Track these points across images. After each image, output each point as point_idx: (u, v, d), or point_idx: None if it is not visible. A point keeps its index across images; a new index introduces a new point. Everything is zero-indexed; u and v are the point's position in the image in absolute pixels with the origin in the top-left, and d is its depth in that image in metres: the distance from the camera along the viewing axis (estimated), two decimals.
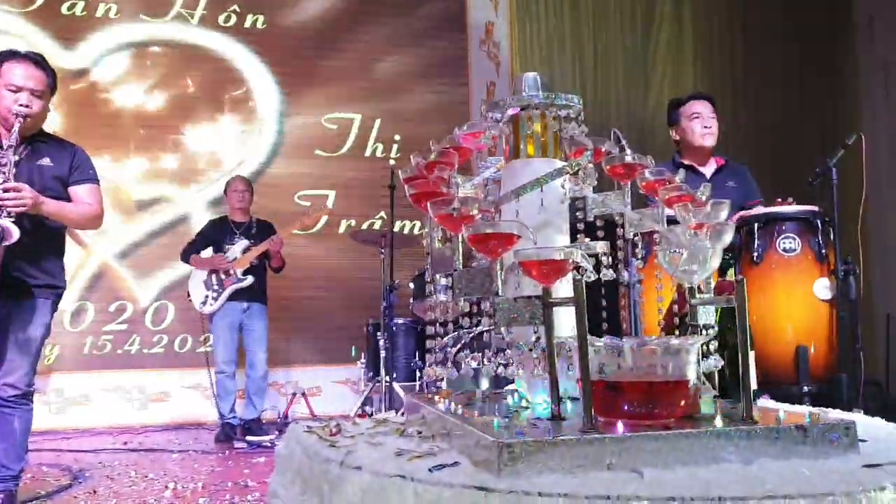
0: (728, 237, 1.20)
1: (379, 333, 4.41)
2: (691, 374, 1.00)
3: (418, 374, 4.53)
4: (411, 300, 4.56)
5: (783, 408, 1.08)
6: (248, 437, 4.25)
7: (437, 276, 1.28)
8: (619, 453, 0.91)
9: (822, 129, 6.17)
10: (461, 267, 1.19)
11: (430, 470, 0.92)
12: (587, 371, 0.95)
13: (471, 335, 4.69)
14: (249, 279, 4.45)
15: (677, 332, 1.43)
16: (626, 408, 0.99)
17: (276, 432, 4.42)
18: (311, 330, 5.46)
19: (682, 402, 1.00)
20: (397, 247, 4.45)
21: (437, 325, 1.32)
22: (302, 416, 5.05)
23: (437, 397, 1.41)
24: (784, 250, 2.71)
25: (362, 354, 4.86)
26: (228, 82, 5.59)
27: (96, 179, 2.79)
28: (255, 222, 4.65)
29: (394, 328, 4.52)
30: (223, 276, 4.41)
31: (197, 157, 5.52)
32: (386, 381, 4.28)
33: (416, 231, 5.67)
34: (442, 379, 1.43)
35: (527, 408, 1.24)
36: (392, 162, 5.63)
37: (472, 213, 1.18)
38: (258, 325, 4.50)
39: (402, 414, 1.55)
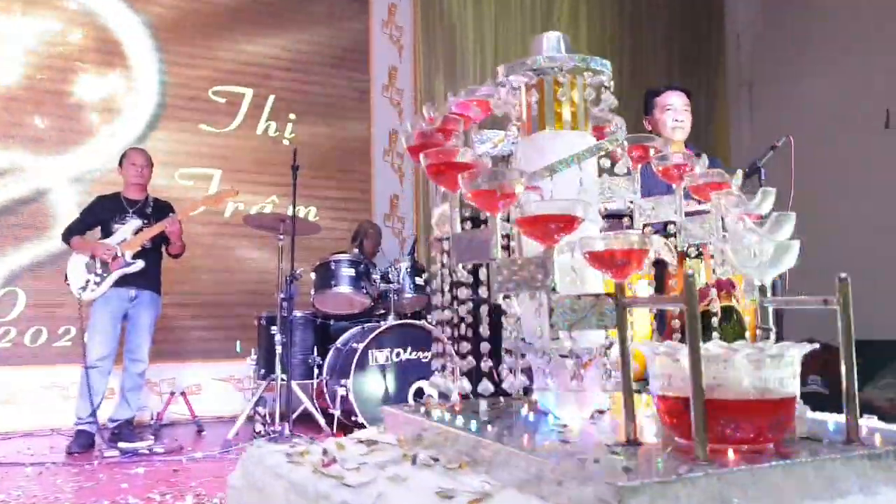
0: (789, 228, 1.07)
1: (274, 327, 4.03)
2: (797, 390, 0.85)
3: (316, 371, 4.21)
4: (312, 291, 4.21)
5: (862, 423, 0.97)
6: (121, 444, 3.71)
7: (462, 266, 1.04)
8: (744, 489, 0.74)
9: (697, 139, 6.50)
10: (499, 255, 0.96)
11: None
12: (700, 388, 0.77)
13: (378, 330, 4.34)
14: (139, 264, 3.92)
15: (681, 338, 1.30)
16: (727, 431, 0.82)
17: (152, 437, 3.92)
18: (189, 322, 4.95)
19: (790, 423, 0.84)
20: (299, 233, 4.08)
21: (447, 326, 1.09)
22: (180, 416, 4.56)
23: (432, 410, 1.18)
24: None
25: (252, 350, 4.44)
26: (99, 39, 4.90)
27: None
28: (151, 201, 4.12)
29: (291, 322, 4.16)
30: (109, 259, 3.87)
31: (60, 124, 4.78)
32: (282, 380, 3.92)
33: (311, 217, 5.31)
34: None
35: (565, 425, 1.04)
36: (286, 142, 5.25)
37: (515, 190, 0.96)
38: (146, 315, 3.98)
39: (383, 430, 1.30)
